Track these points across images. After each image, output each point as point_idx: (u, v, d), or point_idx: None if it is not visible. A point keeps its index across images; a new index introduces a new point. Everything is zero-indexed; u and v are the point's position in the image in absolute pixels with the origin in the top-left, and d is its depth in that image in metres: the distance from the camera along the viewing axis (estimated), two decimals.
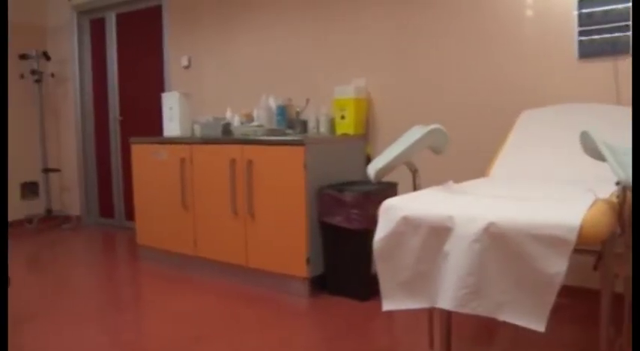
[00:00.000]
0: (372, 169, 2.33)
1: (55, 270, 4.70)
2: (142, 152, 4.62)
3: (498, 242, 1.73)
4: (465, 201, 1.98)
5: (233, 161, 3.93)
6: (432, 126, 2.33)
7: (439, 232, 1.87)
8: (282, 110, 4.43)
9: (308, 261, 3.67)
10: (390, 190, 3.74)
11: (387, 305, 2.02)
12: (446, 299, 1.83)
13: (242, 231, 3.96)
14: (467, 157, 3.72)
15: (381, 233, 1.99)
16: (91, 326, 3.38)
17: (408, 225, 1.94)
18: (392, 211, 1.99)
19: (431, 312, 2.67)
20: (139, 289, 4.12)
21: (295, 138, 3.75)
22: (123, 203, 6.20)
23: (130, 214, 6.05)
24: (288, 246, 3.73)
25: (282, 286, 3.84)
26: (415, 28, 3.92)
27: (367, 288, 3.65)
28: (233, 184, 3.96)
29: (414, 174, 2.45)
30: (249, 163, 3.84)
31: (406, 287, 1.98)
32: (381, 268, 2.00)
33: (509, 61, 3.57)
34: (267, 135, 4.06)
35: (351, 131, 4.04)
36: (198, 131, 4.55)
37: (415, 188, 2.45)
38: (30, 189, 6.49)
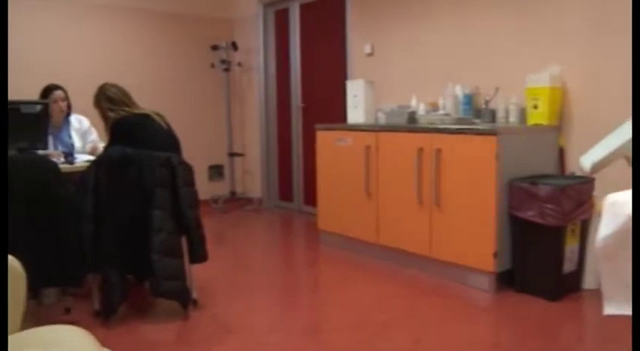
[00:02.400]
0: (587, 161, 2.17)
1: (240, 249, 4.95)
2: (326, 139, 4.71)
3: None
4: None
5: (420, 150, 3.88)
6: None
7: None
8: (469, 99, 4.30)
9: (495, 255, 3.54)
10: (587, 185, 3.50)
11: (610, 309, 1.87)
12: None
13: (426, 220, 3.90)
14: None
15: (606, 230, 1.84)
16: (278, 305, 3.51)
17: None
18: (618, 207, 1.83)
19: None
20: (321, 273, 4.22)
21: (487, 127, 3.62)
22: (302, 188, 6.38)
23: (308, 199, 6.22)
24: (475, 238, 3.61)
25: (466, 279, 3.74)
26: (617, 8, 3.60)
27: (559, 287, 3.45)
28: (419, 173, 3.91)
29: None
30: (438, 151, 3.76)
31: None
32: (605, 268, 1.85)
33: None
34: (454, 124, 3.96)
35: (544, 122, 3.82)
36: (382, 119, 4.54)
37: None
38: (216, 171, 6.90)
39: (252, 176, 6.98)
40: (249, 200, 6.86)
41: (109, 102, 3.46)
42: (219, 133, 6.92)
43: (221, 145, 6.93)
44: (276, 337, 2.98)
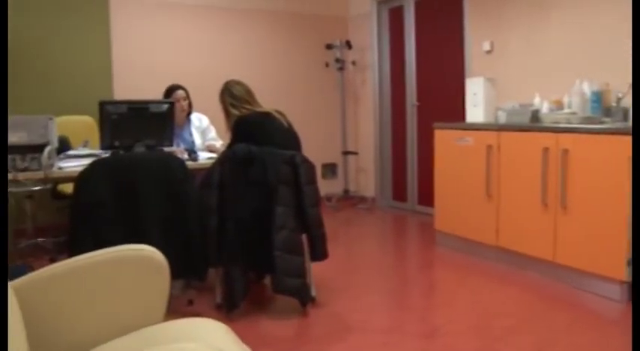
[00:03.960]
0: None
1: (355, 247, 4.96)
2: (445, 138, 4.62)
3: None
4: None
5: (546, 150, 3.72)
6: None
7: None
8: (598, 96, 4.08)
9: (629, 263, 3.33)
10: None
11: None
12: None
13: (551, 224, 3.74)
14: None
15: None
16: (395, 305, 3.48)
17: None
18: None
19: None
20: (438, 274, 4.15)
21: (620, 127, 3.42)
22: (416, 188, 6.31)
23: (422, 199, 6.14)
24: (605, 244, 3.42)
25: (593, 287, 3.55)
26: None
27: None
28: (544, 174, 3.75)
29: None
30: (565, 152, 3.60)
31: None
32: None
33: None
34: (582, 123, 3.77)
35: None
36: (502, 118, 4.40)
37: None
38: (330, 169, 6.95)
39: (366, 175, 6.98)
40: (362, 199, 6.86)
41: (232, 98, 3.57)
42: (333, 132, 6.97)
43: (335, 143, 6.98)
44: (395, 338, 2.96)
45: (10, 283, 1.44)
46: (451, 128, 4.57)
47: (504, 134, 4.05)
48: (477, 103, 4.60)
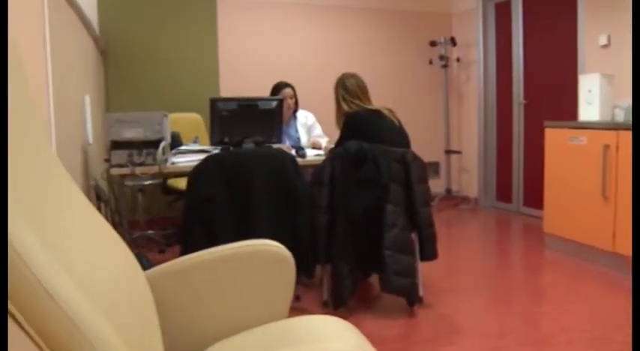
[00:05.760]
0: None
1: (459, 248, 4.86)
2: (557, 137, 4.43)
3: None
4: None
5: None
6: None
7: None
8: None
9: None
10: None
11: None
12: None
13: None
14: None
15: None
16: (505, 310, 3.37)
17: None
18: None
19: None
20: (549, 279, 3.98)
21: None
22: (522, 189, 6.10)
23: (528, 200, 5.94)
24: None
25: None
26: None
27: None
28: None
29: None
30: None
31: None
32: None
33: None
34: None
35: None
36: (620, 116, 4.18)
37: None
38: (432, 169, 6.84)
39: (469, 175, 6.83)
40: (465, 199, 6.72)
41: (344, 91, 3.57)
42: (436, 130, 6.87)
43: (438, 142, 6.87)
44: (505, 343, 2.86)
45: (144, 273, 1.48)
46: (564, 127, 4.37)
47: (624, 133, 3.83)
48: (592, 100, 4.39)
